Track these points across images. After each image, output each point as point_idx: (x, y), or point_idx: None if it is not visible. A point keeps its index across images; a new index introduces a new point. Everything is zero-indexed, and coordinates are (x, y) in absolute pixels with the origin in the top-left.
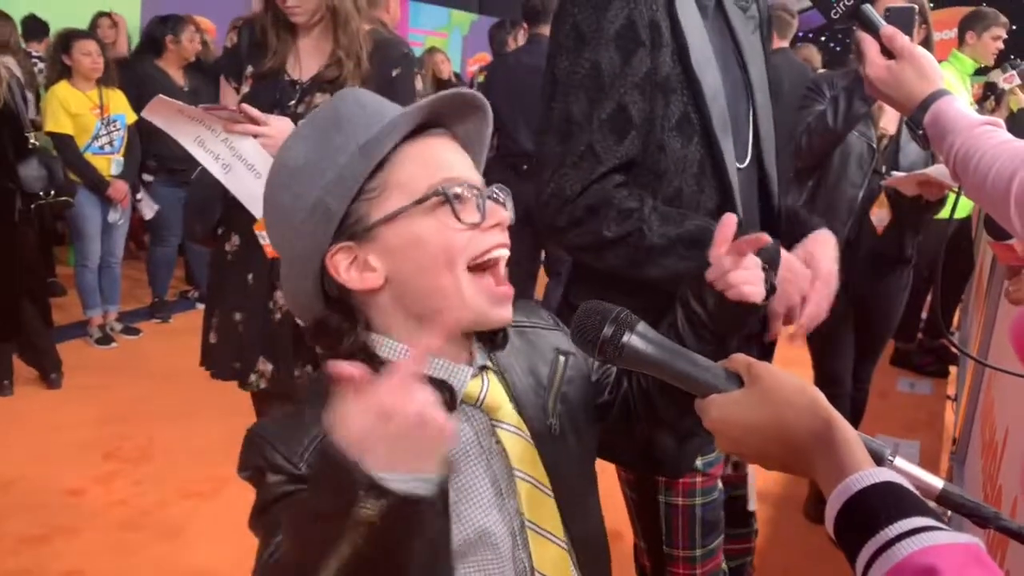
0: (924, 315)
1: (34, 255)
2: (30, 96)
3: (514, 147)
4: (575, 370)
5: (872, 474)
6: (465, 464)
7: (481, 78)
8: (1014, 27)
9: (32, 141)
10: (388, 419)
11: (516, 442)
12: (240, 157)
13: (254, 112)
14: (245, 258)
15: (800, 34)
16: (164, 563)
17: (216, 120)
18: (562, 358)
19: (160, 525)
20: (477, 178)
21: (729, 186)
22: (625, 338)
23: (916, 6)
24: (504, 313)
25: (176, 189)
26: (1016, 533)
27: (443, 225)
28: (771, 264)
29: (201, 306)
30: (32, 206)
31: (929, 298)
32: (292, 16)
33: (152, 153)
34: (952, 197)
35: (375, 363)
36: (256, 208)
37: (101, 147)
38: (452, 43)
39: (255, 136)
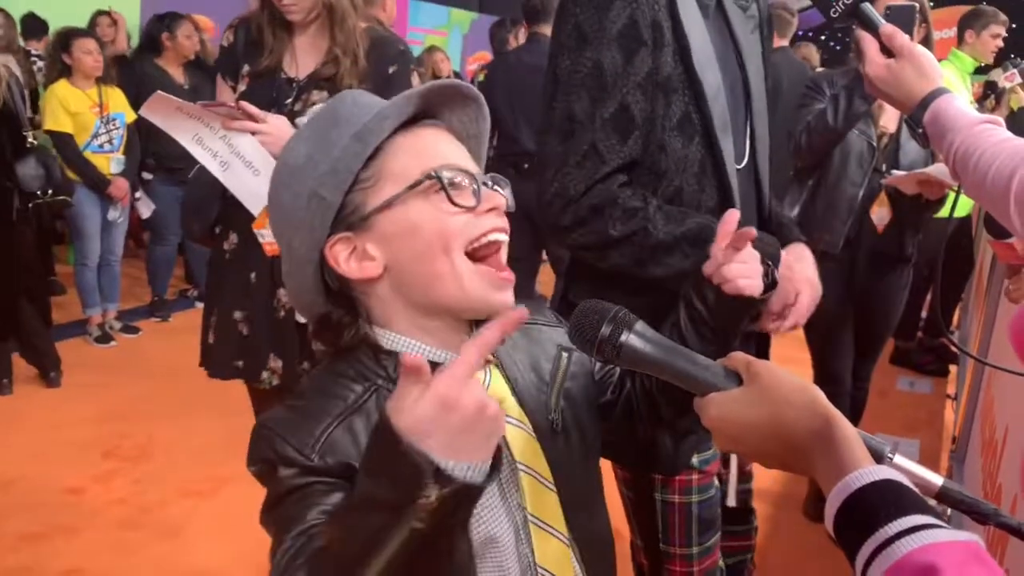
0: (924, 314)
1: (32, 254)
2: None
3: (514, 146)
4: (578, 366)
5: (872, 472)
6: None
7: (481, 77)
8: (1014, 25)
9: (30, 140)
10: (451, 410)
11: (518, 435)
12: (238, 154)
13: (252, 109)
14: (244, 256)
15: (800, 33)
16: (164, 562)
17: (214, 117)
18: (564, 354)
19: (159, 524)
20: (473, 166)
21: (729, 186)
22: (623, 337)
23: (916, 4)
24: (505, 297)
25: (175, 188)
26: (1016, 529)
27: (438, 210)
28: (773, 261)
29: (200, 305)
30: (30, 205)
31: (929, 297)
32: (288, 14)
33: (151, 152)
34: (952, 196)
35: (379, 355)
36: (254, 206)
37: (101, 146)
38: (452, 42)
39: (253, 133)
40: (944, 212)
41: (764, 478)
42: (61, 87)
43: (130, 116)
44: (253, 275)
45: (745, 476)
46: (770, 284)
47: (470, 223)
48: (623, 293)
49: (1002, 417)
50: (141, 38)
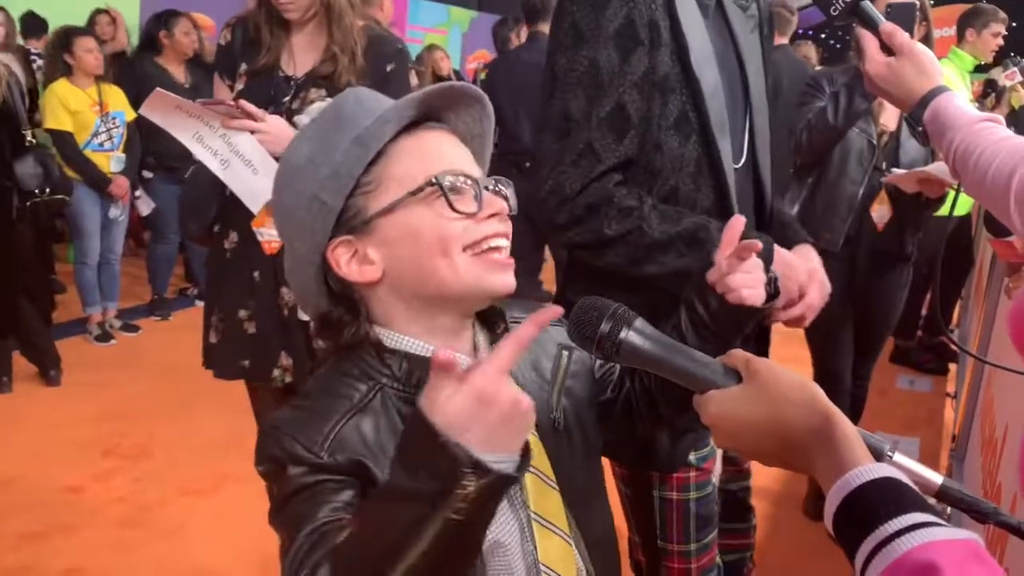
0: (924, 312)
1: (30, 253)
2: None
3: (516, 144)
4: (579, 365)
5: (871, 470)
6: None
7: (483, 76)
8: (1014, 24)
9: (29, 139)
10: (489, 405)
11: None
12: (238, 153)
13: (251, 108)
14: (245, 255)
15: (800, 31)
16: (163, 560)
17: (214, 115)
18: (565, 353)
19: (159, 522)
20: (475, 170)
21: (726, 185)
22: (623, 334)
23: (917, 2)
24: (505, 279)
25: (175, 186)
26: (1015, 528)
27: (438, 216)
28: (765, 261)
29: (200, 303)
30: (28, 204)
31: (929, 295)
32: (286, 12)
33: (151, 150)
34: (952, 194)
35: (383, 354)
36: (254, 204)
37: (101, 144)
38: (451, 40)
39: (252, 132)
40: (944, 210)
41: (764, 476)
42: (61, 86)
43: (130, 114)
44: (256, 274)
45: (743, 474)
46: (773, 293)
47: (470, 228)
48: (620, 291)
49: (1002, 416)
50: (141, 37)
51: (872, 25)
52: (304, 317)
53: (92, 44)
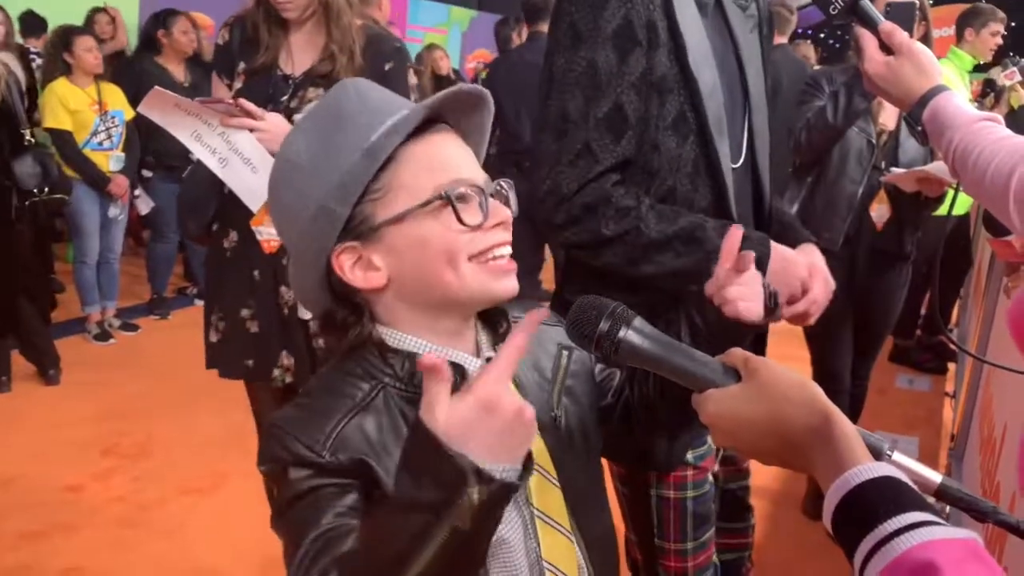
0: (923, 311)
1: (30, 253)
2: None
3: (516, 144)
4: (579, 365)
5: (870, 468)
6: None
7: (483, 75)
8: (1012, 23)
9: (28, 138)
10: (491, 413)
11: None
12: (236, 151)
13: (250, 106)
14: (245, 254)
15: (799, 31)
16: (163, 559)
17: (212, 114)
18: (565, 353)
19: (159, 521)
20: (480, 175)
21: (723, 185)
22: (621, 333)
23: (916, 2)
24: (509, 284)
25: (175, 185)
26: (1014, 527)
27: (446, 227)
28: (761, 260)
29: (200, 302)
30: (27, 203)
31: (928, 294)
32: (284, 12)
33: (151, 149)
34: (951, 193)
35: (386, 353)
36: (253, 202)
37: (100, 143)
38: (451, 39)
39: (251, 130)
40: (943, 210)
41: (763, 475)
42: (60, 85)
43: (129, 113)
44: (256, 273)
45: (742, 473)
46: (772, 307)
47: (476, 239)
48: (617, 291)
49: (1001, 415)
50: (140, 37)
51: (871, 24)
52: (305, 316)
53: (92, 43)
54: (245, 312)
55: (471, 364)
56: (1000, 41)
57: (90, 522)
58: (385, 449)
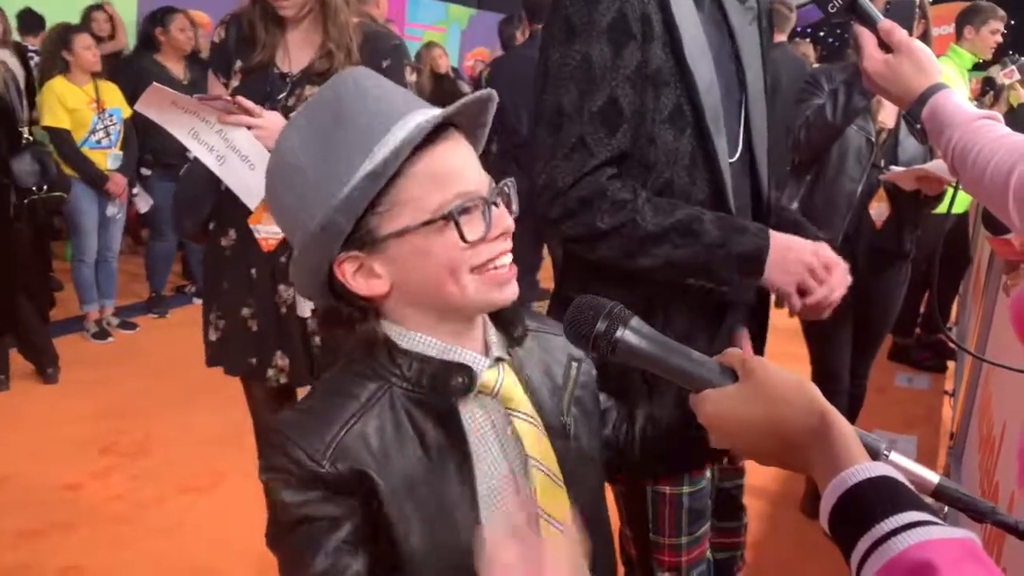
0: (922, 310)
1: (28, 251)
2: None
3: (517, 141)
4: (587, 377)
5: (868, 468)
6: (484, 449)
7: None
8: (1012, 22)
9: (27, 136)
10: None
11: (531, 431)
12: (234, 148)
13: (248, 103)
14: (243, 252)
15: (798, 30)
16: (161, 558)
17: (210, 111)
18: (575, 364)
19: (157, 520)
20: (483, 181)
21: (721, 178)
22: (619, 333)
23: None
24: (509, 292)
25: (174, 183)
26: (1013, 527)
27: (448, 243)
28: (760, 251)
29: (198, 301)
30: (25, 201)
31: (927, 293)
32: (281, 9)
33: (149, 147)
34: (950, 192)
35: (395, 353)
36: (251, 200)
37: (98, 141)
38: (450, 38)
39: (249, 128)
40: (942, 208)
41: (761, 475)
42: (58, 83)
43: (127, 111)
44: (253, 271)
45: (737, 472)
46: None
47: (478, 251)
48: (615, 286)
49: (1000, 414)
50: (138, 36)
51: (870, 22)
52: (304, 314)
53: (90, 41)
54: (246, 311)
55: (479, 364)
56: (1000, 39)
57: (88, 520)
58: (386, 456)
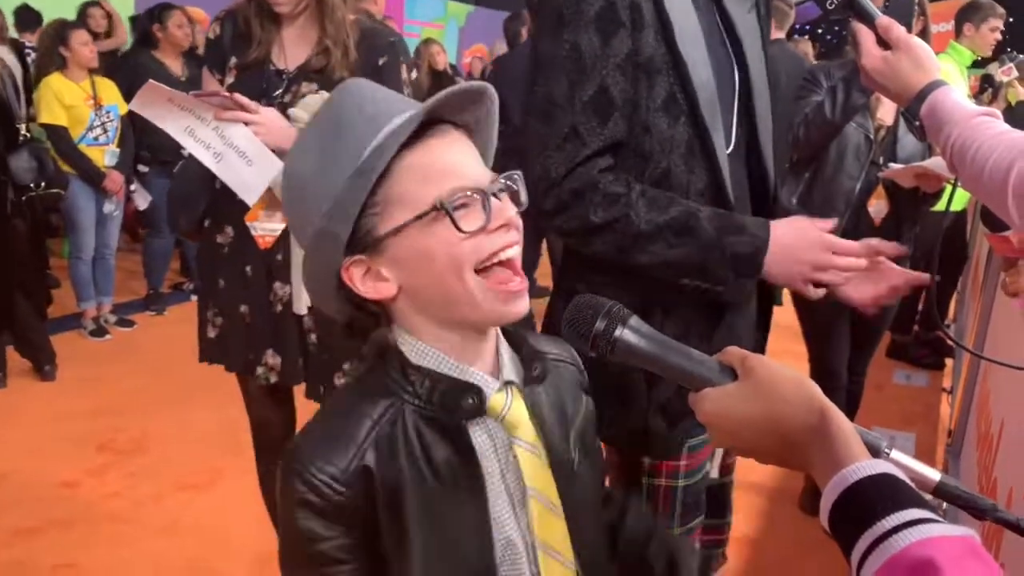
0: (920, 307)
1: (25, 248)
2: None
3: (519, 137)
4: (591, 407)
5: (868, 466)
6: (487, 472)
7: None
8: (1011, 19)
9: (24, 132)
10: None
11: (531, 460)
12: (231, 145)
13: (244, 100)
14: (240, 250)
15: (797, 27)
16: (159, 556)
17: (207, 108)
18: (585, 397)
19: (154, 517)
20: (483, 174)
21: (718, 166)
22: (617, 332)
23: None
24: (519, 308)
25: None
26: (1014, 525)
27: (447, 237)
28: (759, 249)
29: (196, 298)
30: (23, 198)
31: (925, 290)
32: (276, 6)
33: (146, 144)
34: (949, 189)
35: (407, 368)
36: (248, 196)
37: (95, 138)
38: (448, 34)
39: (246, 124)
40: (941, 205)
41: (760, 472)
42: (55, 80)
43: (123, 108)
44: (248, 268)
45: (726, 469)
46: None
47: (480, 244)
48: (614, 283)
49: (998, 411)
50: (136, 33)
51: (868, 19)
52: (301, 311)
53: (87, 37)
54: (244, 308)
55: (489, 386)
56: (999, 36)
57: (85, 518)
58: (397, 474)
